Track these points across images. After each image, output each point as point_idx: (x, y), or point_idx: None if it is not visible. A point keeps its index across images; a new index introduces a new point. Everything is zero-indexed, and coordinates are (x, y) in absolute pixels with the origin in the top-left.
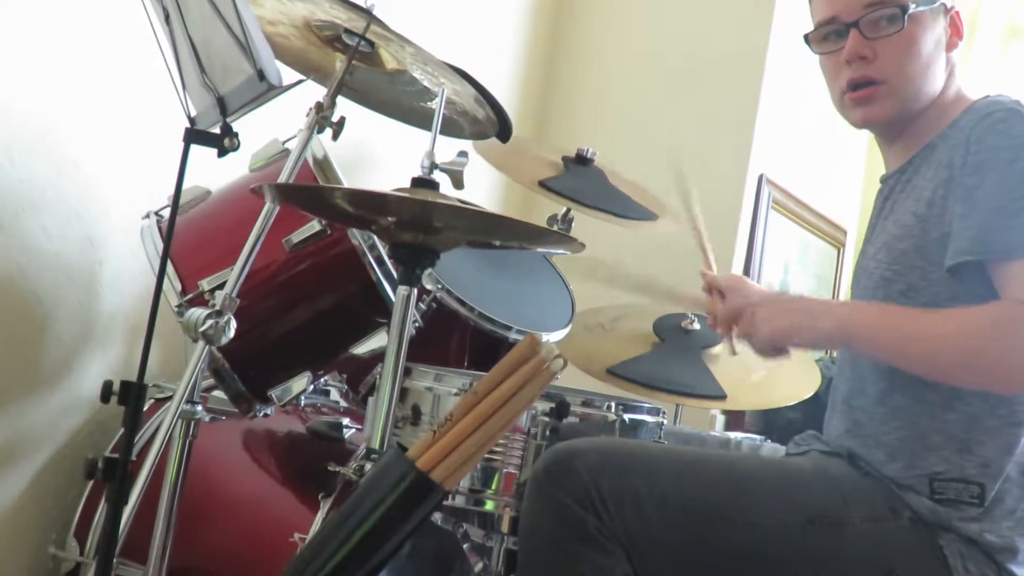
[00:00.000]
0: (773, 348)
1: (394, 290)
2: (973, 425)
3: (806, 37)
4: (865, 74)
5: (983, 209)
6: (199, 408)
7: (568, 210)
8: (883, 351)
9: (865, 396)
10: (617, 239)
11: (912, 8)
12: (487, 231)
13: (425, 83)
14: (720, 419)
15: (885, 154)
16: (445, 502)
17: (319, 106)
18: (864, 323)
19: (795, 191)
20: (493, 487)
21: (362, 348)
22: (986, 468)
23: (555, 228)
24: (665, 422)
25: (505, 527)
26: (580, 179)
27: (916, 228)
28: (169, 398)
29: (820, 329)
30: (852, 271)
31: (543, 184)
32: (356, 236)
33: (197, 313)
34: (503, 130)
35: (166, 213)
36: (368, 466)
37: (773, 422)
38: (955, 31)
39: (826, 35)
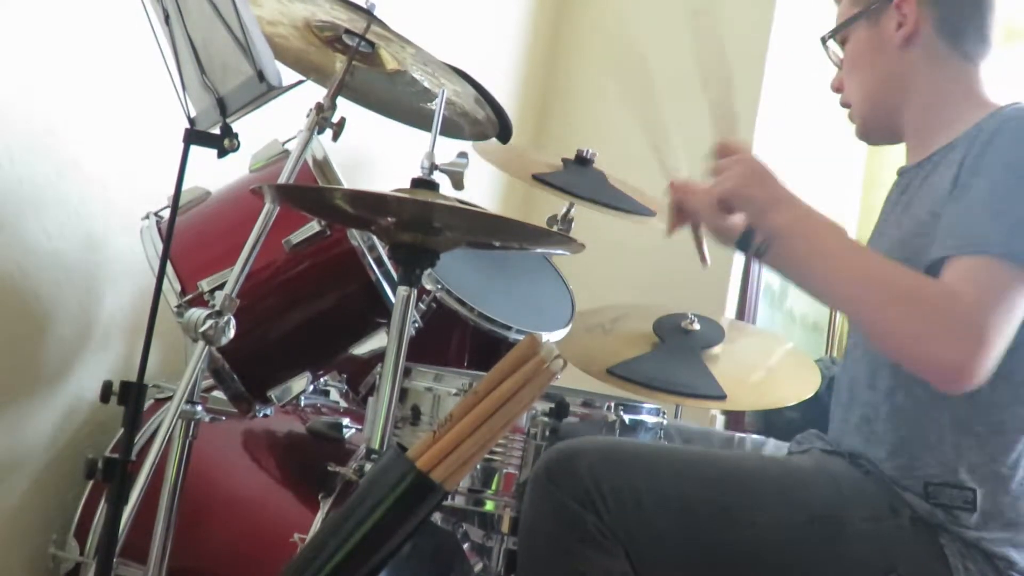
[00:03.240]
0: (723, 202)
1: (394, 290)
2: (961, 429)
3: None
4: (841, 100)
5: (975, 208)
6: (199, 408)
7: (568, 211)
8: (820, 273)
9: (873, 391)
10: (617, 236)
11: (827, 34)
12: (487, 232)
13: (425, 84)
14: (720, 419)
15: (907, 152)
16: (445, 502)
17: (319, 107)
18: (817, 235)
19: (795, 191)
20: (493, 487)
21: (362, 348)
22: (975, 474)
23: (555, 229)
24: (665, 422)
25: (505, 527)
26: (579, 177)
27: (930, 225)
28: (169, 398)
29: (771, 218)
30: None
31: (538, 177)
32: (356, 237)
33: (197, 313)
34: (503, 131)
35: (166, 214)
36: (368, 466)
37: (773, 422)
38: (902, 23)
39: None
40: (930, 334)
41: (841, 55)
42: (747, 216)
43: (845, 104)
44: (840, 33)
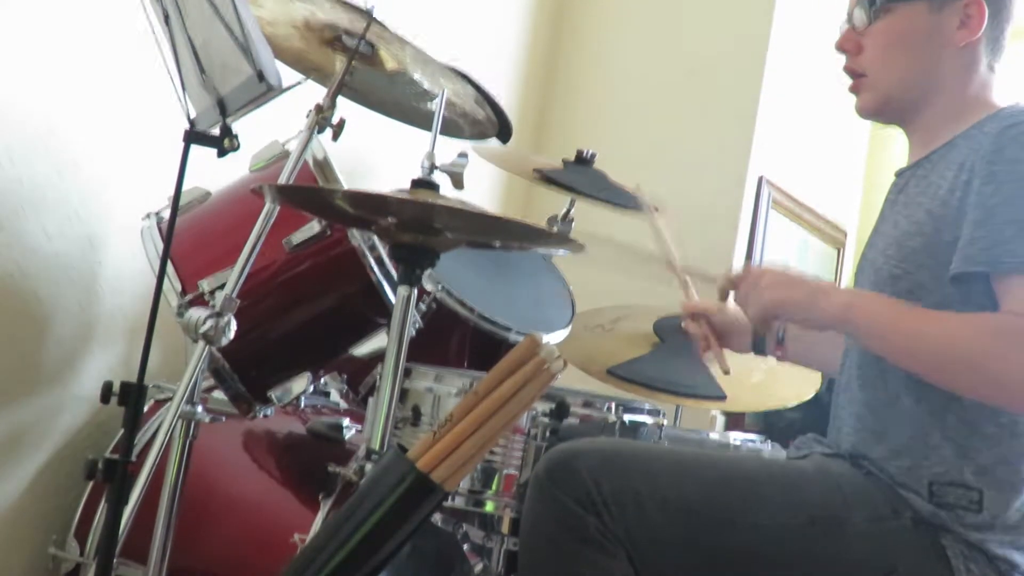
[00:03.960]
0: (767, 318)
1: (394, 291)
2: (971, 430)
3: (840, 27)
4: (850, 66)
5: (997, 220)
6: (199, 408)
7: (568, 211)
8: (881, 345)
9: (874, 394)
10: (617, 236)
11: (881, 1)
12: (487, 232)
13: (425, 84)
14: (720, 420)
15: (909, 148)
16: (445, 503)
17: (319, 107)
18: (867, 313)
19: (795, 192)
20: (493, 488)
21: (362, 349)
22: (983, 476)
23: (555, 229)
24: (665, 423)
25: (505, 528)
26: (579, 175)
27: (928, 226)
28: (169, 398)
29: (822, 310)
30: (856, 262)
31: (539, 172)
32: (356, 237)
33: (197, 314)
34: (503, 131)
35: (166, 214)
36: (368, 467)
37: (773, 423)
38: (966, 23)
39: (842, 25)
40: (1009, 359)
41: (865, 20)
42: (795, 319)
43: (857, 71)
44: (889, 3)
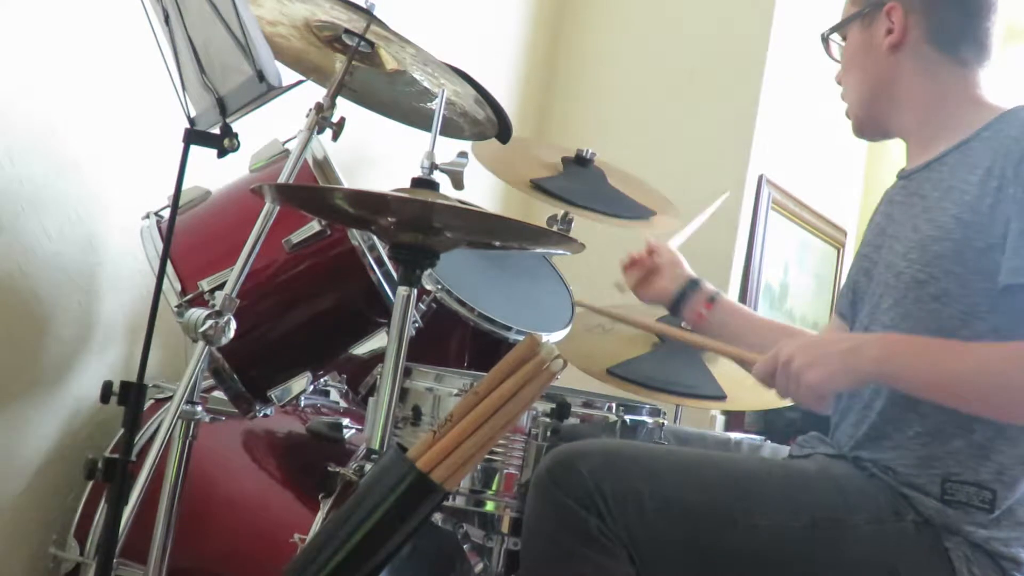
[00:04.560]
0: (821, 400)
1: (394, 291)
2: (994, 430)
3: None
4: (841, 95)
5: None
6: (199, 408)
7: (567, 211)
8: (927, 390)
9: (881, 398)
10: (616, 238)
11: (826, 32)
12: (487, 232)
13: (425, 84)
14: (720, 419)
15: (907, 152)
16: (445, 503)
17: (319, 107)
18: (904, 361)
19: (795, 192)
20: (493, 488)
21: (362, 348)
22: (1000, 475)
23: (555, 228)
24: (665, 423)
25: (505, 528)
26: (576, 180)
27: (956, 232)
28: (169, 398)
29: (861, 371)
30: (857, 262)
31: (535, 184)
32: (356, 237)
33: (197, 313)
34: (503, 131)
35: (166, 213)
36: (368, 466)
37: (773, 422)
38: (891, 29)
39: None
40: None
41: (829, 52)
42: (842, 387)
43: (845, 99)
44: (840, 30)
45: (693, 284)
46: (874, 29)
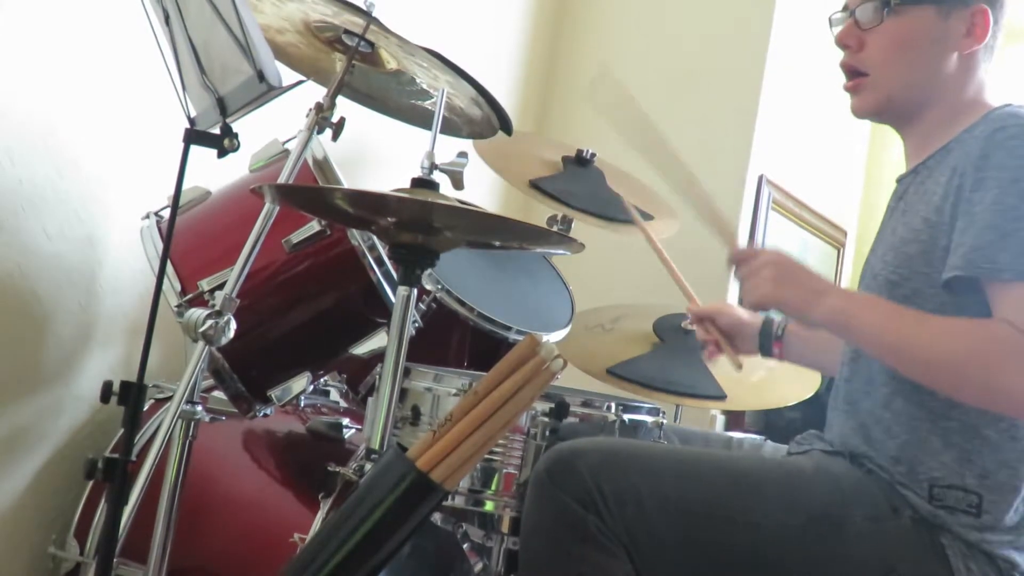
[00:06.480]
0: (759, 308)
1: (394, 290)
2: (972, 434)
3: (830, 19)
4: (851, 63)
5: (978, 225)
6: (199, 408)
7: None
8: (875, 347)
9: (870, 399)
10: (617, 236)
11: (895, 2)
12: (487, 232)
13: (424, 84)
14: (720, 419)
15: (905, 153)
16: (445, 502)
17: (319, 107)
18: (860, 317)
19: (795, 192)
20: (493, 487)
21: (362, 348)
22: (985, 479)
23: (554, 228)
24: (665, 422)
25: (505, 527)
26: (575, 181)
27: (924, 233)
28: (169, 398)
29: (816, 312)
30: (862, 269)
31: (534, 184)
32: (356, 236)
33: (197, 313)
34: (504, 125)
35: (166, 213)
36: (368, 466)
37: (773, 422)
38: (972, 31)
39: (839, 19)
40: (1007, 370)
41: (873, 18)
42: (786, 314)
43: (858, 69)
44: (901, 4)
45: (766, 331)
46: (951, 22)
